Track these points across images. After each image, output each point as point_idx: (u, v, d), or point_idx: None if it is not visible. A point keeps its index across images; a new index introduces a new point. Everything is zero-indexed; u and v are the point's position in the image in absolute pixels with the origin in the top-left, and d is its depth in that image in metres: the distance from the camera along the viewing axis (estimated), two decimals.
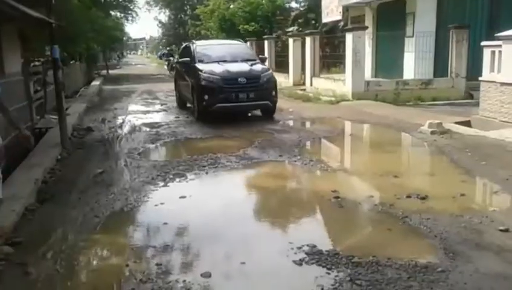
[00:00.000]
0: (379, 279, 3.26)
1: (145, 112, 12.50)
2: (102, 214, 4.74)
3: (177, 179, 5.91)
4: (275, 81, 10.52)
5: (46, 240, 4.10)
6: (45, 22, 7.50)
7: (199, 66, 10.33)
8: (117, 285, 3.30)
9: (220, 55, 10.94)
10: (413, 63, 14.28)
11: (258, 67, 10.49)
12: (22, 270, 3.56)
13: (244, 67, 10.29)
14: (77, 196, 5.35)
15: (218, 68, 10.07)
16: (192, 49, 11.27)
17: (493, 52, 8.78)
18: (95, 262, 3.76)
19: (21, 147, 4.63)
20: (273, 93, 10.21)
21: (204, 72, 9.96)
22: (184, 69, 11.51)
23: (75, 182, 5.90)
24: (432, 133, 7.90)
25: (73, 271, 3.58)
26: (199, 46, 11.60)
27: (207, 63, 10.48)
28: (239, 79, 9.74)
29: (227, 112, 9.85)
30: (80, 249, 3.94)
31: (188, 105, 11.86)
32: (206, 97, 9.73)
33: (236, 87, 9.69)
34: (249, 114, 10.96)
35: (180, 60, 12.34)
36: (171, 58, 30.10)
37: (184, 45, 13.48)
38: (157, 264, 3.58)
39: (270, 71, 10.77)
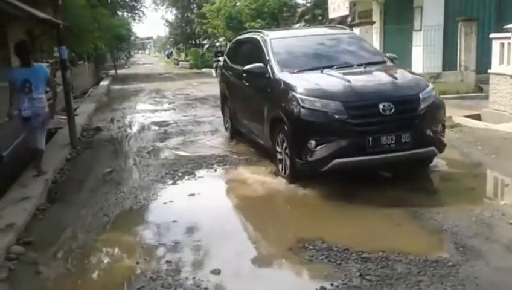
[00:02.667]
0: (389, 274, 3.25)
1: (154, 111, 12.54)
2: (112, 213, 4.78)
3: (186, 177, 5.93)
4: (443, 106, 5.59)
5: (57, 239, 4.13)
6: (52, 22, 7.54)
7: (288, 79, 5.53)
8: (127, 283, 3.32)
9: (319, 57, 6.18)
10: (422, 57, 14.17)
11: (406, 78, 5.59)
12: (33, 269, 3.60)
13: (380, 79, 5.43)
14: (87, 195, 5.39)
15: (330, 84, 5.25)
16: (264, 47, 6.32)
17: (502, 45, 8.68)
18: (105, 261, 3.78)
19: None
20: (441, 129, 5.39)
21: (303, 93, 5.14)
22: (248, 83, 6.68)
23: (85, 182, 5.94)
24: None
25: (84, 270, 3.61)
26: (277, 41, 6.48)
27: (301, 72, 5.68)
28: (380, 105, 4.90)
29: (354, 171, 5.22)
30: (90, 248, 3.97)
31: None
32: (312, 145, 4.94)
33: (374, 122, 4.92)
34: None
35: (231, 64, 7.85)
36: (221, 60, 23.04)
37: (237, 39, 8.33)
38: (167, 262, 3.60)
39: (431, 86, 5.49)
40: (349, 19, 19.42)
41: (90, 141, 8.58)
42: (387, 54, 6.60)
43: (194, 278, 3.33)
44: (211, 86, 19.43)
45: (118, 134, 9.23)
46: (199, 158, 6.76)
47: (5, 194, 5.11)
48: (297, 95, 5.13)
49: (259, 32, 7.15)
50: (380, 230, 4.06)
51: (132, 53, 77.12)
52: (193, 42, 43.14)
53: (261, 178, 5.68)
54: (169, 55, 58.24)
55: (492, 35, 9.29)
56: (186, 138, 8.44)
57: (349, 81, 5.21)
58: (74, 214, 4.77)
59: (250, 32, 8.08)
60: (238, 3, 27.67)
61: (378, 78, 5.47)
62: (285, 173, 5.48)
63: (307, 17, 24.67)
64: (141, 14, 39.68)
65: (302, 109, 5.04)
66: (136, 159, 6.97)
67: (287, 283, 3.33)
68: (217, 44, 34.49)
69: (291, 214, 4.85)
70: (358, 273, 3.26)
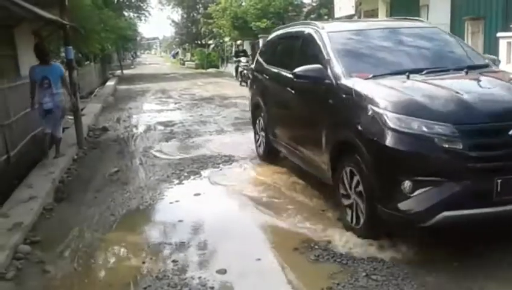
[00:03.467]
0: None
1: (160, 111, 12.56)
2: (118, 212, 4.80)
3: (192, 177, 5.94)
4: None
5: (64, 238, 4.15)
6: (59, 23, 7.58)
7: (362, 87, 3.94)
8: (133, 282, 3.33)
9: (399, 57, 4.59)
10: None
11: None
12: (40, 268, 3.62)
13: (501, 91, 3.84)
14: (93, 195, 5.41)
15: (432, 96, 3.64)
16: (320, 43, 4.70)
17: (509, 44, 8.62)
18: (111, 260, 3.79)
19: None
20: None
21: (391, 108, 3.55)
22: (297, 91, 5.02)
23: (91, 181, 5.97)
24: None
25: (90, 269, 3.63)
26: (337, 35, 4.82)
27: (378, 77, 4.11)
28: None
29: (472, 227, 3.62)
30: (96, 247, 3.99)
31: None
32: (407, 187, 3.35)
33: (504, 155, 3.29)
34: None
35: (268, 66, 6.23)
36: (243, 60, 19.60)
37: (277, 34, 6.37)
38: (173, 261, 3.61)
39: None
40: (355, 18, 19.38)
41: (97, 141, 8.62)
42: (487, 55, 5.21)
43: (199, 277, 3.34)
44: (217, 86, 19.51)
45: (124, 134, 9.26)
46: (205, 158, 6.76)
47: (12, 193, 5.14)
48: (382, 111, 3.49)
49: (309, 24, 5.38)
50: None
51: (138, 53, 77.41)
52: (199, 42, 43.21)
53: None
54: (175, 56, 58.43)
55: (499, 34, 9.23)
56: (191, 138, 8.43)
57: (459, 93, 3.56)
58: (81, 214, 4.79)
59: (293, 25, 6.16)
60: (243, 3, 27.68)
61: (498, 89, 3.83)
62: (357, 223, 3.79)
63: (312, 16, 24.63)
64: (147, 14, 39.79)
65: (390, 132, 3.39)
66: (142, 159, 6.99)
67: (292, 283, 3.32)
68: (226, 43, 34.38)
69: None
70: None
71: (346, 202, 3.99)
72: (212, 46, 38.90)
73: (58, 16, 7.59)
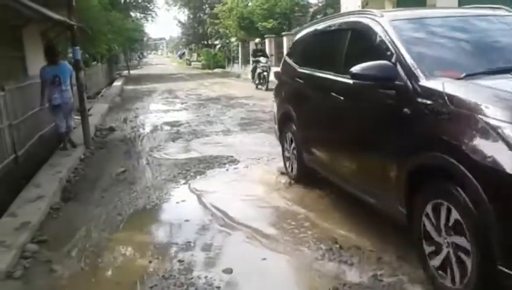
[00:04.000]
0: None
1: (166, 111, 12.60)
2: (125, 212, 4.81)
3: (198, 177, 5.94)
4: None
5: (71, 238, 4.17)
6: (66, 23, 7.62)
7: (461, 90, 2.85)
8: (140, 281, 3.33)
9: (491, 51, 3.57)
10: None
11: None
12: (47, 267, 3.63)
13: None
14: (100, 195, 5.43)
15: None
16: (384, 35, 3.62)
17: None
18: (118, 259, 3.80)
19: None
20: None
21: None
22: (349, 97, 3.96)
23: (98, 181, 5.99)
24: None
25: (97, 268, 3.63)
26: (403, 25, 3.73)
27: (473, 77, 3.05)
28: None
29: None
30: (103, 246, 4.00)
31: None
32: None
33: None
34: None
35: (301, 68, 5.18)
36: (262, 61, 17.33)
37: (316, 29, 5.22)
38: (179, 261, 3.61)
39: None
40: None
41: (104, 141, 8.65)
42: None
43: (206, 277, 3.34)
44: (223, 86, 19.54)
45: (131, 134, 9.29)
46: (211, 158, 6.76)
47: (20, 193, 5.17)
48: (502, 124, 2.47)
49: (362, 13, 4.25)
50: None
51: (145, 54, 77.68)
52: (205, 42, 43.30)
53: None
54: (181, 56, 58.59)
55: None
56: (198, 138, 8.44)
57: None
58: (88, 213, 4.81)
59: (333, 17, 4.98)
60: (250, 4, 27.70)
61: None
62: (460, 283, 2.71)
63: (318, 16, 24.59)
64: (154, 15, 39.99)
65: None
66: (148, 159, 7.01)
67: (299, 283, 3.31)
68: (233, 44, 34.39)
69: None
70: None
71: (435, 257, 2.90)
72: (218, 46, 38.97)
73: (66, 17, 7.63)
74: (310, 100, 4.92)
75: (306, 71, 5.02)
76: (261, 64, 17.20)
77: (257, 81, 17.53)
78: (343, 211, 4.38)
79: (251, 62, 18.58)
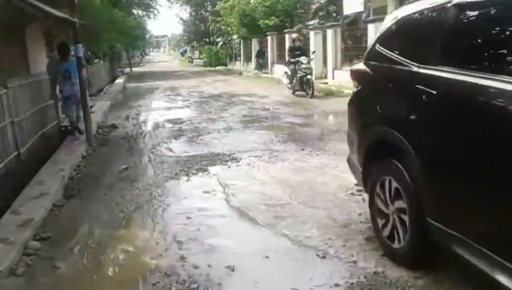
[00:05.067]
0: None
1: (168, 108, 12.61)
2: (128, 209, 4.82)
3: (200, 174, 5.95)
4: None
5: (73, 235, 4.18)
6: (69, 21, 7.63)
7: None
8: (142, 279, 3.34)
9: None
10: None
11: None
12: (50, 264, 3.64)
13: None
14: (102, 192, 5.45)
15: None
16: None
17: None
18: (120, 256, 3.81)
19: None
20: None
21: None
22: None
23: (101, 178, 6.00)
24: None
25: (100, 265, 3.64)
26: None
27: None
28: None
29: None
30: (105, 243, 4.01)
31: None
32: None
33: None
34: None
35: (436, 71, 2.86)
36: (303, 61, 13.99)
37: (459, 2, 2.76)
38: (181, 258, 3.61)
39: None
40: (364, 15, 19.28)
41: (106, 138, 8.66)
42: None
43: (208, 274, 3.34)
44: (225, 84, 19.54)
45: (133, 131, 9.31)
46: (213, 155, 6.76)
47: (23, 190, 5.19)
48: None
49: None
50: None
51: (147, 51, 77.66)
52: (207, 40, 43.24)
53: None
54: (183, 53, 58.54)
55: None
56: (200, 134, 8.44)
57: None
58: (90, 210, 4.82)
59: None
60: (251, 1, 27.66)
61: None
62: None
63: (321, 13, 24.54)
64: (156, 12, 39.96)
65: None
66: (150, 156, 7.02)
67: (301, 280, 3.32)
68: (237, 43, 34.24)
69: None
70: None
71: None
72: (220, 44, 38.92)
73: (68, 15, 7.64)
74: (455, 125, 2.69)
75: (442, 74, 2.84)
76: (303, 66, 13.78)
77: (297, 87, 14.09)
78: None
79: (287, 62, 14.93)
